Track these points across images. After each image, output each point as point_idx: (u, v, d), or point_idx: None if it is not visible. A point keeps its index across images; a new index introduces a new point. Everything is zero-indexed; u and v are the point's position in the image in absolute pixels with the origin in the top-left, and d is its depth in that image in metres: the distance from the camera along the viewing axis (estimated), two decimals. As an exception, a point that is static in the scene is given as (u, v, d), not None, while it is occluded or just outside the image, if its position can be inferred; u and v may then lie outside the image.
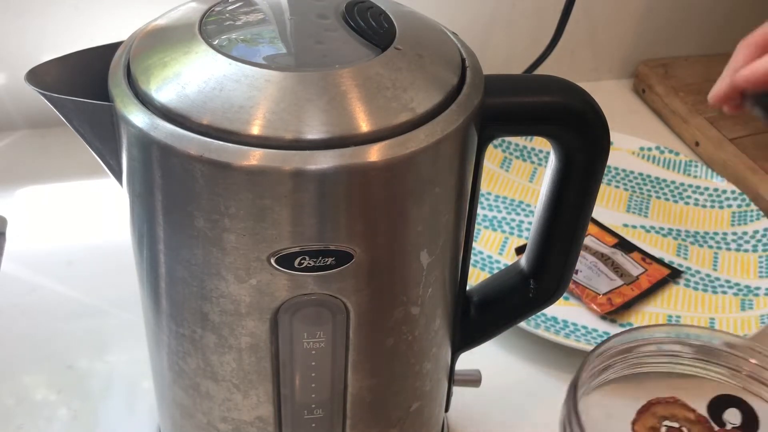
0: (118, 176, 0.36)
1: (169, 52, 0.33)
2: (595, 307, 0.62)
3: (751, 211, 0.73)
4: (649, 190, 0.78)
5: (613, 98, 0.94)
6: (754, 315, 0.62)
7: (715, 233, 0.72)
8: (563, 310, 0.62)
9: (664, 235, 0.73)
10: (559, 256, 0.43)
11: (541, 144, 0.81)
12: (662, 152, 0.81)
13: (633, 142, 0.81)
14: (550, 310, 0.57)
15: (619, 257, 0.67)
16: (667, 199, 0.77)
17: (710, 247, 0.71)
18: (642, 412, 0.42)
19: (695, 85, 0.92)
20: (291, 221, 0.31)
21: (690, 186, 0.78)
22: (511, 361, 0.59)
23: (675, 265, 0.68)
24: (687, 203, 0.76)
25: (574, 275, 0.63)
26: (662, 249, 0.71)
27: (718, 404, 0.42)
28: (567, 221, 0.41)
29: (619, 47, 0.96)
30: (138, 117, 0.32)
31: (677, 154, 0.81)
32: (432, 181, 0.33)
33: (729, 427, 0.41)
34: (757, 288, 0.65)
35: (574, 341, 0.58)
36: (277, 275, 0.33)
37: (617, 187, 0.78)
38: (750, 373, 0.42)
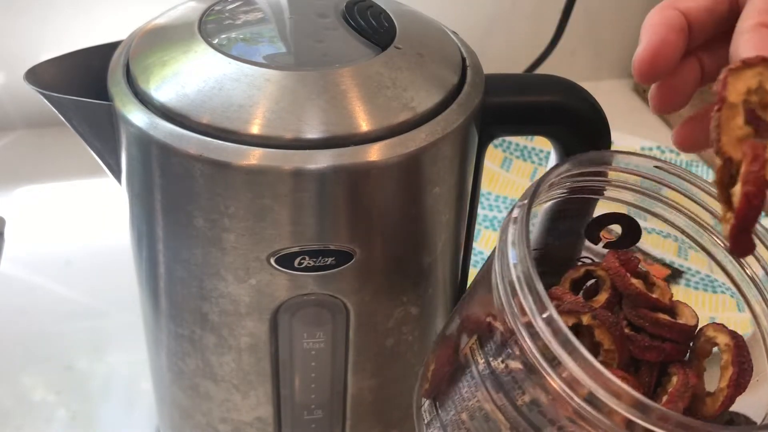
0: (118, 176, 0.36)
1: (168, 51, 0.33)
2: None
3: (752, 211, 0.73)
4: (649, 191, 0.78)
5: (613, 98, 0.94)
6: (754, 315, 0.62)
7: (716, 234, 0.72)
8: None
9: (665, 237, 0.72)
10: (560, 256, 0.42)
11: (542, 144, 0.80)
12: (663, 152, 0.81)
13: (634, 141, 0.81)
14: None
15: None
16: (668, 200, 0.77)
17: (711, 247, 0.71)
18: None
19: (695, 85, 0.92)
20: (291, 221, 0.31)
21: (690, 186, 0.78)
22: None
23: (676, 266, 0.68)
24: (688, 203, 0.76)
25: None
26: (663, 250, 0.71)
27: (598, 223, 0.37)
28: (568, 222, 0.41)
29: (620, 47, 0.96)
30: (137, 116, 0.32)
31: (678, 154, 0.81)
32: (432, 181, 0.33)
33: (603, 243, 0.38)
34: (758, 288, 0.65)
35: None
36: (277, 275, 0.33)
37: (618, 187, 0.77)
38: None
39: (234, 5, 0.36)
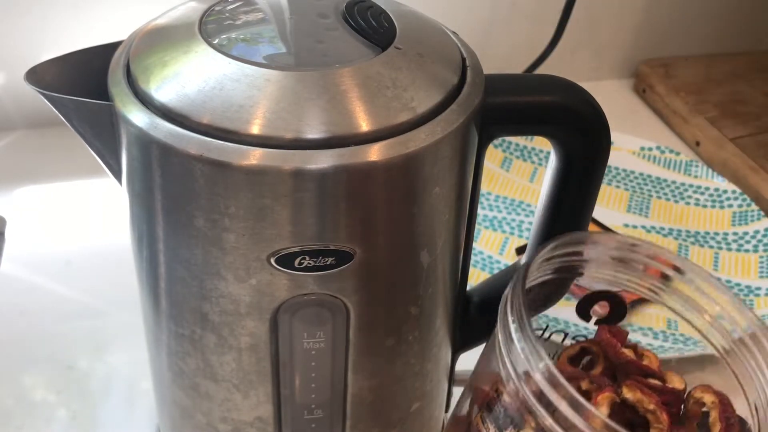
0: (118, 176, 0.36)
1: (168, 52, 0.33)
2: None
3: (752, 211, 0.73)
4: (649, 190, 0.78)
5: (613, 98, 0.94)
6: (754, 315, 0.62)
7: (716, 233, 0.72)
8: (565, 310, 0.62)
9: (665, 235, 0.73)
10: (560, 256, 0.42)
11: (541, 144, 0.81)
12: (663, 152, 0.81)
13: (633, 141, 0.81)
14: (551, 311, 0.57)
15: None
16: (667, 199, 0.77)
17: (711, 247, 0.71)
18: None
19: (696, 85, 0.92)
20: (291, 221, 0.31)
21: (690, 186, 0.78)
22: (511, 362, 0.58)
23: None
24: (688, 203, 0.76)
25: (574, 275, 0.63)
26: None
27: (588, 301, 0.42)
28: (567, 221, 0.41)
29: (620, 47, 0.96)
30: (137, 116, 0.32)
31: (678, 154, 0.81)
32: (432, 181, 0.33)
33: (593, 319, 0.42)
34: (758, 288, 0.65)
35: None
36: (277, 275, 0.33)
37: (618, 187, 0.78)
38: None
39: (234, 5, 0.36)
